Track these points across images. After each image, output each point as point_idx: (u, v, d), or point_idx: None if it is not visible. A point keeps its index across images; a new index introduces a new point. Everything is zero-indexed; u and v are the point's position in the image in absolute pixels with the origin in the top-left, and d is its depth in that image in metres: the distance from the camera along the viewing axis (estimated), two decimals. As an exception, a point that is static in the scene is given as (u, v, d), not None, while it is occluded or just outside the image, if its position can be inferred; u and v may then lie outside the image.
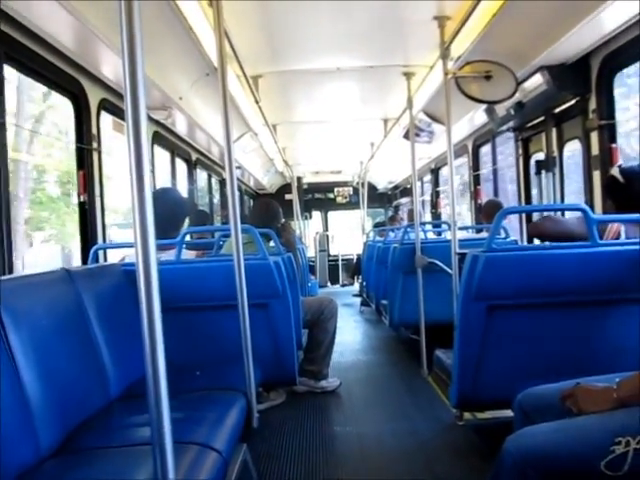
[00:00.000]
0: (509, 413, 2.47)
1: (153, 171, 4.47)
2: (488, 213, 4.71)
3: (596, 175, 3.49)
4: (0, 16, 2.30)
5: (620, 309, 2.30)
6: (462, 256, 2.79)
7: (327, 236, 12.55)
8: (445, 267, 3.79)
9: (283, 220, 4.00)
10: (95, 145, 3.26)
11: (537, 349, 2.33)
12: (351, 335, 6.01)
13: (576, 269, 2.24)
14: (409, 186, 10.02)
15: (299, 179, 10.69)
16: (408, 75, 4.30)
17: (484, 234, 4.71)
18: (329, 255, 12.36)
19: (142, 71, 1.03)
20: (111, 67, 3.14)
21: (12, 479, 1.44)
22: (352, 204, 12.19)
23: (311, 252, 11.91)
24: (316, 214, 12.88)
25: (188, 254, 3.18)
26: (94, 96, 3.27)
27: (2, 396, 1.47)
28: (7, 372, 1.55)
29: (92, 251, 2.85)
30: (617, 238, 2.60)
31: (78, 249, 3.31)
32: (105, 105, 3.43)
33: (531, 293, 2.27)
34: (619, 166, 2.50)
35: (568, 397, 1.53)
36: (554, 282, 2.25)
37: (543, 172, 4.29)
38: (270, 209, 3.93)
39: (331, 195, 12.58)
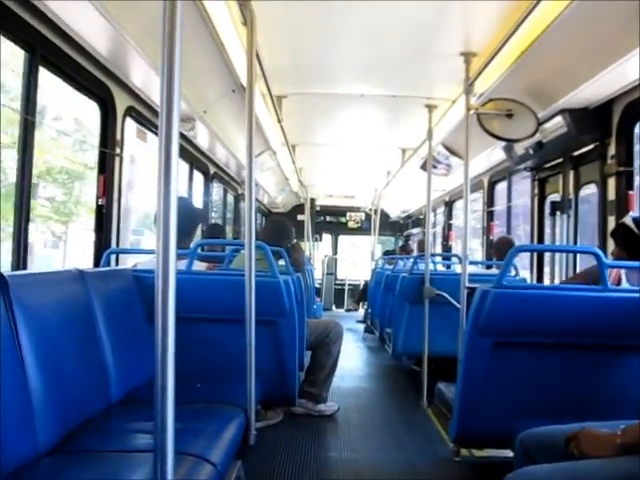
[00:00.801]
0: (507, 453, 2.46)
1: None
2: (499, 249, 4.71)
3: (611, 220, 3.49)
4: (38, 18, 2.38)
5: (626, 355, 2.29)
6: (471, 290, 2.79)
7: (335, 260, 12.55)
8: (453, 300, 3.78)
9: (295, 240, 4.01)
10: (118, 151, 3.31)
11: (540, 389, 2.31)
12: (353, 361, 5.97)
13: (585, 312, 2.23)
14: (421, 217, 10.05)
15: (312, 200, 10.74)
16: (430, 107, 4.34)
17: (494, 270, 4.70)
18: (336, 279, 12.34)
19: (179, 85, 1.05)
20: (140, 75, 3.21)
21: (8, 474, 1.45)
22: (363, 230, 12.21)
23: (318, 274, 11.92)
24: (326, 237, 12.89)
25: (199, 265, 3.20)
26: (121, 103, 3.33)
27: (6, 389, 1.48)
28: (13, 366, 1.57)
29: (105, 254, 2.88)
30: (618, 284, 2.61)
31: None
32: (131, 112, 3.49)
33: (538, 332, 2.26)
34: (632, 216, 2.52)
35: (572, 440, 1.52)
36: (562, 323, 2.24)
37: (558, 213, 4.29)
38: (283, 227, 3.94)
39: (343, 219, 12.60)
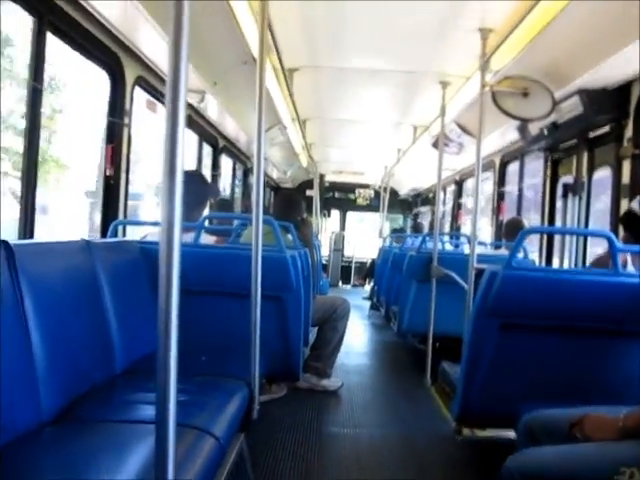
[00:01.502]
0: (508, 433, 2.47)
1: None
2: (509, 231, 4.67)
3: (624, 203, 3.44)
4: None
5: (635, 341, 2.27)
6: (479, 271, 2.77)
7: (343, 236, 12.53)
8: (460, 280, 3.76)
9: (305, 215, 4.00)
10: (126, 121, 3.28)
11: (545, 371, 2.31)
12: (358, 338, 6.00)
13: (595, 296, 2.21)
14: (431, 195, 9.98)
15: (322, 176, 10.68)
16: (444, 84, 4.26)
17: (502, 251, 4.67)
18: (343, 255, 12.33)
19: (186, 54, 1.02)
20: (150, 45, 3.16)
21: (12, 440, 1.46)
22: (372, 207, 12.16)
23: (325, 250, 11.92)
24: (335, 213, 12.86)
25: (208, 239, 3.19)
26: (130, 72, 3.29)
27: (9, 357, 1.49)
28: (18, 334, 1.57)
29: (112, 226, 2.88)
30: (624, 268, 2.57)
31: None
32: (140, 82, 3.45)
33: (546, 315, 2.24)
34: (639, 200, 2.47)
35: (576, 424, 1.53)
36: (571, 307, 2.22)
37: (570, 195, 4.23)
38: (294, 202, 3.92)
39: (352, 196, 12.55)
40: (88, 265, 2.12)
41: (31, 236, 2.45)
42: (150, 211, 5.26)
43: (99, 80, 3.18)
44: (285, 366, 2.92)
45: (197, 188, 3.15)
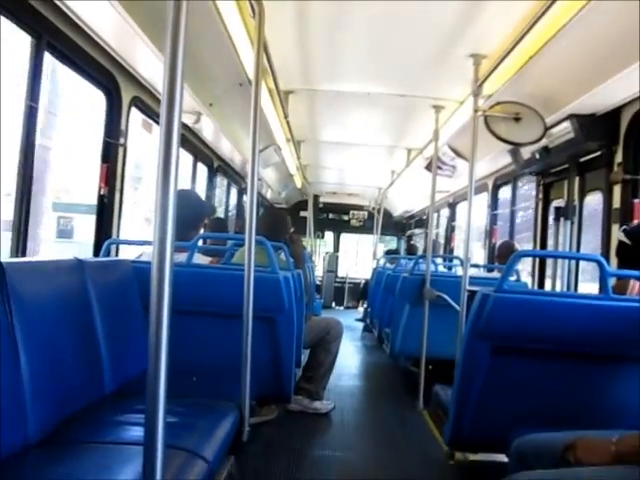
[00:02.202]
0: (501, 458, 2.45)
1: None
2: (502, 254, 4.69)
3: (615, 228, 3.47)
4: (45, 4, 2.36)
5: (627, 366, 2.27)
6: (472, 293, 2.77)
7: (337, 257, 12.54)
8: (453, 303, 3.76)
9: (292, 230, 3.97)
10: (122, 141, 3.29)
11: (538, 395, 2.30)
12: (350, 360, 5.97)
13: (586, 320, 2.21)
14: (424, 217, 10.03)
15: (316, 197, 10.72)
16: (437, 108, 4.32)
17: (495, 274, 4.68)
18: (337, 277, 12.33)
19: (181, 77, 1.04)
20: (147, 66, 3.19)
21: None
22: (366, 228, 12.20)
23: (319, 271, 11.92)
24: (328, 234, 12.89)
25: (202, 259, 3.19)
26: (127, 92, 3.32)
27: (-1, 378, 1.47)
28: (6, 353, 1.55)
29: (105, 244, 2.87)
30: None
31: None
32: (136, 102, 3.47)
33: (538, 339, 2.24)
34: (623, 230, 2.50)
35: (569, 448, 1.52)
36: (563, 330, 2.22)
37: (562, 219, 4.27)
38: (279, 219, 3.87)
39: (345, 217, 12.58)
40: (80, 284, 2.11)
41: (23, 254, 2.44)
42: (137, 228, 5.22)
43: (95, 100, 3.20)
44: (276, 388, 2.90)
45: (192, 207, 3.15)
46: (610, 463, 1.43)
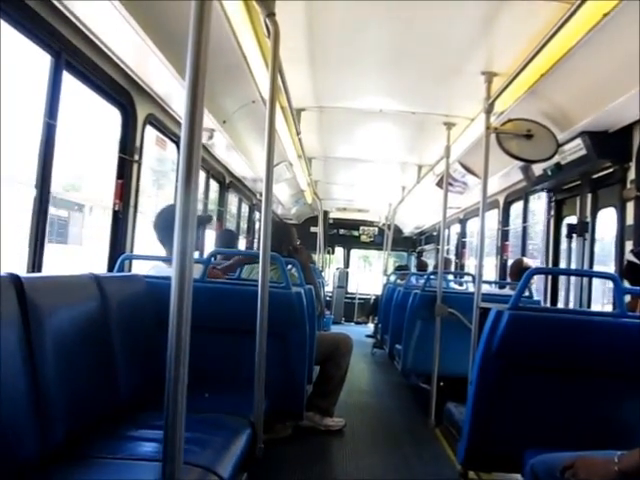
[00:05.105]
0: (516, 478, 2.42)
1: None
2: (514, 271, 4.67)
3: (628, 245, 3.45)
4: (64, 23, 2.41)
5: (643, 385, 2.24)
6: (484, 310, 2.76)
7: (347, 273, 12.53)
8: (464, 319, 3.74)
9: (299, 242, 3.94)
10: (137, 157, 3.33)
11: (553, 414, 2.27)
12: (361, 376, 5.94)
13: (600, 338, 2.20)
14: (435, 233, 10.01)
15: (326, 213, 10.75)
16: (448, 125, 4.33)
17: (507, 290, 4.66)
18: (347, 292, 12.31)
19: (202, 96, 1.06)
20: (162, 83, 3.23)
21: (14, 473, 1.44)
22: (376, 244, 12.21)
23: (329, 287, 11.91)
24: (338, 250, 12.90)
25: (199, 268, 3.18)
26: (142, 109, 3.36)
27: (16, 391, 1.49)
28: (25, 367, 1.57)
29: (119, 260, 2.89)
30: None
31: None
32: (151, 120, 3.52)
33: (552, 357, 2.23)
34: (632, 251, 2.49)
35: (569, 468, 1.52)
36: (577, 348, 2.21)
37: (574, 236, 4.25)
38: (283, 231, 3.84)
39: (356, 233, 12.59)
40: (96, 299, 2.12)
41: (39, 269, 2.47)
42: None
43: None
44: (289, 404, 2.89)
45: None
46: None
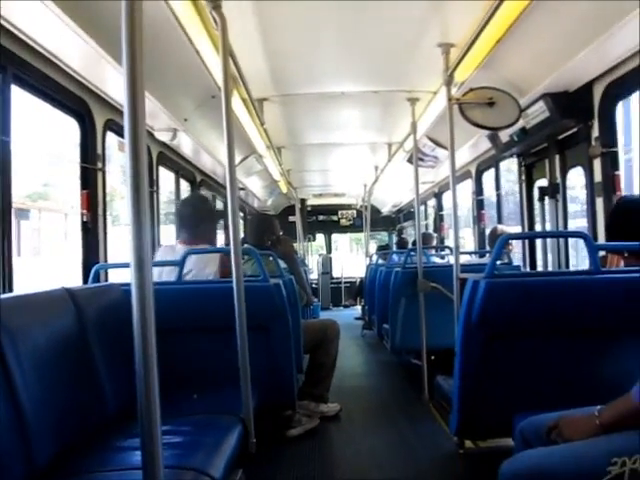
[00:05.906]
0: (511, 442, 2.45)
1: (157, 191, 4.49)
2: (493, 239, 4.71)
3: (599, 202, 3.49)
4: (7, 36, 2.34)
5: (622, 338, 2.27)
6: (464, 281, 2.77)
7: (330, 258, 12.54)
8: (447, 292, 3.76)
9: (281, 232, 3.95)
10: (100, 165, 3.27)
11: (538, 376, 2.30)
12: (352, 359, 5.96)
13: (577, 297, 2.21)
14: (412, 210, 10.05)
15: (303, 201, 10.72)
16: (412, 100, 4.32)
17: (487, 259, 4.69)
18: (332, 277, 12.34)
19: (141, 89, 1.03)
20: (117, 87, 3.17)
21: None
22: (355, 227, 12.25)
23: (314, 274, 11.93)
24: (319, 236, 12.90)
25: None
26: (100, 116, 3.30)
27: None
28: (3, 391, 1.54)
29: (93, 270, 2.84)
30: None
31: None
32: (111, 125, 3.46)
33: (532, 320, 2.24)
34: (617, 201, 2.47)
35: (553, 429, 1.54)
36: (555, 309, 2.22)
37: (546, 198, 4.29)
38: (263, 223, 3.89)
39: (335, 217, 12.61)
40: (71, 313, 2.08)
41: (10, 289, 2.42)
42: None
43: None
44: (279, 396, 2.89)
45: (198, 207, 3.18)
46: (596, 435, 1.46)
